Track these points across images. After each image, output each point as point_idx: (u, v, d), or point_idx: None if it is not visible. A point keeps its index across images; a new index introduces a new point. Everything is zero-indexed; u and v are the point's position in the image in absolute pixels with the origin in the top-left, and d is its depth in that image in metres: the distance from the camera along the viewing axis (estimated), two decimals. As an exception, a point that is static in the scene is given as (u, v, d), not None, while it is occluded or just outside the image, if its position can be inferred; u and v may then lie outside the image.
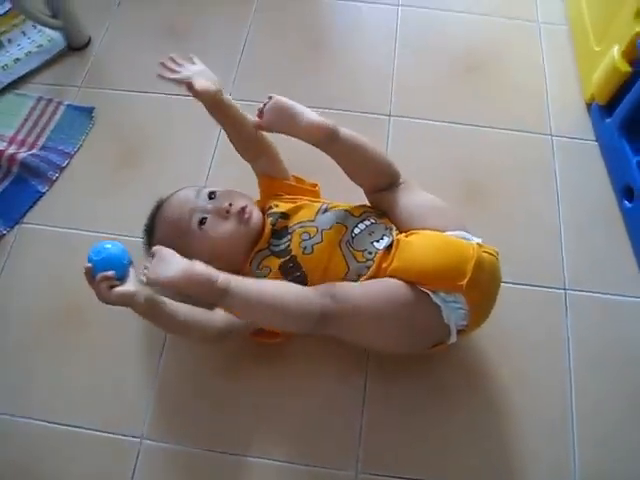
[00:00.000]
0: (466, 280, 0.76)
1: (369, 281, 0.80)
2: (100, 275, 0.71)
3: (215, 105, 0.89)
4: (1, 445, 0.85)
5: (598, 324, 0.94)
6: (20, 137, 1.12)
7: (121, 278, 0.73)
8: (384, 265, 0.80)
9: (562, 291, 0.97)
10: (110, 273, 0.72)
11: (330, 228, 0.86)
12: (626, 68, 1.00)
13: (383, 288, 0.78)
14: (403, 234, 0.83)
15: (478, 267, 0.77)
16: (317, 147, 0.85)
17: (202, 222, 0.86)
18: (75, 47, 1.24)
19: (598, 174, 1.09)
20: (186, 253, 0.83)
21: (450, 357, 0.89)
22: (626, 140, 1.03)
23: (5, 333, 0.94)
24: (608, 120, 1.08)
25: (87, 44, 1.25)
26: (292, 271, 0.84)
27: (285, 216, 0.89)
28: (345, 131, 0.85)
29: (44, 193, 1.07)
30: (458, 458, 0.83)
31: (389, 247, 0.82)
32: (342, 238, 0.84)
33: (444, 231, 0.81)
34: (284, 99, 0.83)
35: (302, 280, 0.83)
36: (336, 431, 0.85)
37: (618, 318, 0.95)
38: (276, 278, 0.84)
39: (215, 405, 0.87)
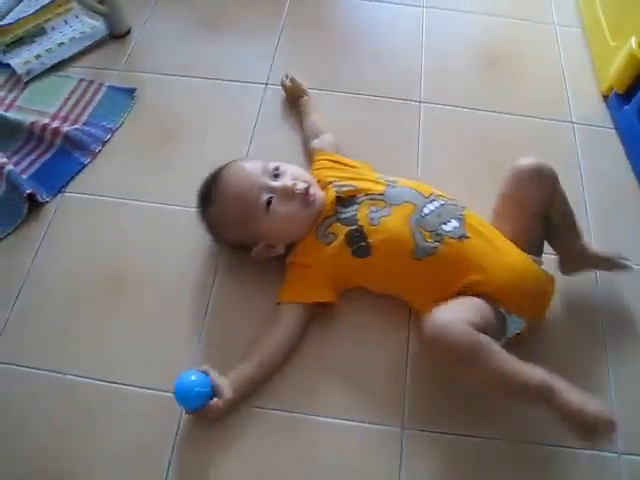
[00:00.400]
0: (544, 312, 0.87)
1: (464, 300, 0.80)
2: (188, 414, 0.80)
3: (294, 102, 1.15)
4: (49, 400, 0.85)
5: (626, 296, 0.98)
6: (62, 114, 1.16)
7: (208, 392, 0.77)
8: (467, 260, 0.82)
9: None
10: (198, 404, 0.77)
11: (399, 204, 0.87)
12: (644, 56, 1.08)
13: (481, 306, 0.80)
14: (484, 225, 0.87)
15: (551, 299, 0.88)
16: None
17: (269, 202, 0.86)
18: (116, 35, 1.29)
19: (618, 159, 1.15)
20: (247, 229, 0.87)
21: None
22: (645, 124, 1.09)
23: (46, 298, 0.94)
24: (626, 107, 1.14)
25: (127, 33, 1.30)
26: (357, 240, 0.85)
27: (352, 187, 0.90)
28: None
29: (86, 165, 1.09)
30: (504, 415, 0.84)
31: (462, 236, 0.84)
32: (411, 216, 0.85)
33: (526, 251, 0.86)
34: None
35: (366, 250, 0.85)
36: (382, 388, 0.86)
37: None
38: (340, 246, 0.86)
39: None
